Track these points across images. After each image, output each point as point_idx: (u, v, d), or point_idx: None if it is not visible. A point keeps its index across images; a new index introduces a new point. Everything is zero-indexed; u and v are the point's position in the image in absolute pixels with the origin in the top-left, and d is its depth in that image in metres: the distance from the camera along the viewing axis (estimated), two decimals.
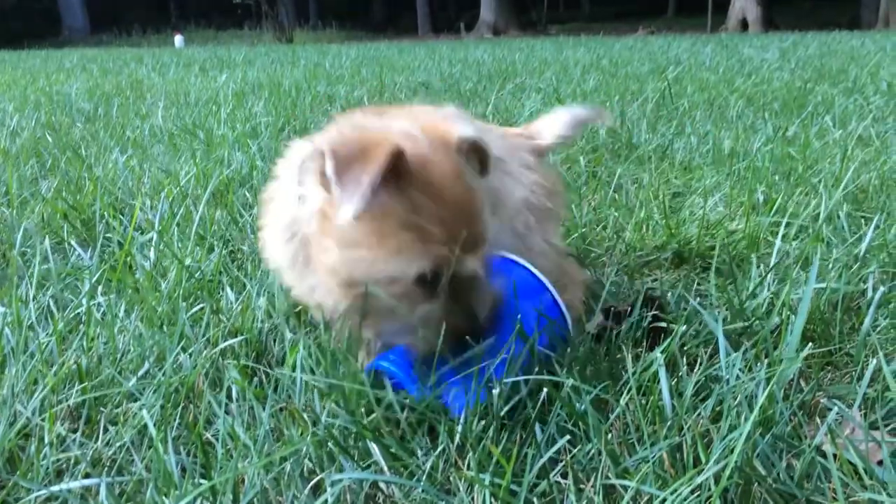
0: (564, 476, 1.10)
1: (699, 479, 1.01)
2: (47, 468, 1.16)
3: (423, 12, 32.82)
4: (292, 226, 1.27)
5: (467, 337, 1.16)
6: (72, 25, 30.92)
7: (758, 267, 1.80)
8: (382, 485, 1.11)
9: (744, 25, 23.74)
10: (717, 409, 1.20)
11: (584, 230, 2.20)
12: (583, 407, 1.16)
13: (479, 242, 1.15)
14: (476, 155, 1.23)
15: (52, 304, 1.71)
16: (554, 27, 29.07)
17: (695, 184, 2.65)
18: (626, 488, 1.04)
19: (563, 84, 6.08)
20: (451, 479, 1.11)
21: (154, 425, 1.19)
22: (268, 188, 1.40)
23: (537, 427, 1.17)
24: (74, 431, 1.26)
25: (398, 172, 1.09)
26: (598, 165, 2.98)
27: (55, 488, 1.09)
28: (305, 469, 1.13)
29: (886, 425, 1.19)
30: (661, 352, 1.26)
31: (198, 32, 29.92)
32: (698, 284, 1.83)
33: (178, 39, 24.04)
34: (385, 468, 1.12)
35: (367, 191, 1.04)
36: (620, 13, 32.54)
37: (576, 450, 1.13)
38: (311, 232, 1.21)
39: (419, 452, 1.16)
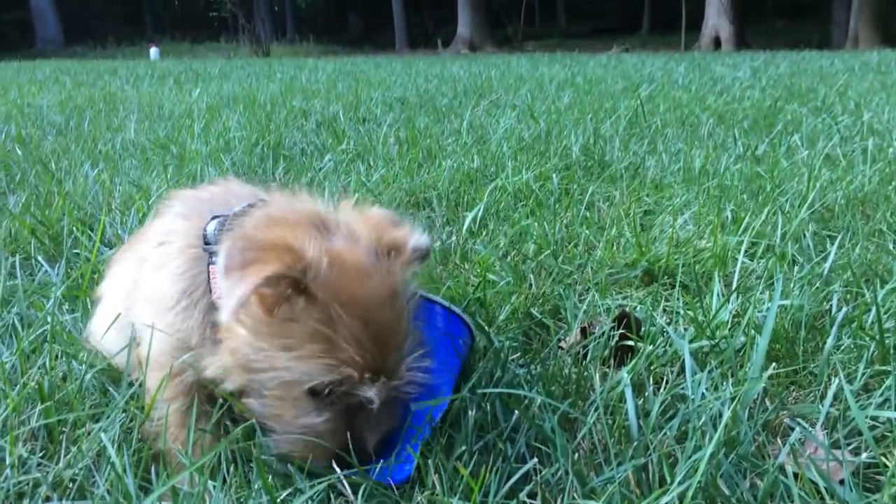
0: (532, 496, 1.10)
1: (664, 500, 1.02)
2: (8, 490, 1.14)
3: (401, 27, 32.96)
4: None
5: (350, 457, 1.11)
6: (45, 37, 30.65)
7: (725, 286, 1.82)
8: None
9: (717, 44, 24.10)
10: (683, 428, 1.21)
11: (555, 247, 2.21)
12: (550, 426, 1.17)
13: (391, 370, 1.09)
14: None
15: (16, 321, 1.69)
16: (530, 43, 29.31)
17: (665, 202, 2.68)
18: None
19: (537, 101, 6.13)
20: (419, 500, 1.10)
21: (114, 446, 1.17)
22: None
23: (507, 446, 1.17)
24: (35, 453, 1.24)
25: (300, 288, 1.06)
26: (571, 183, 3.00)
27: None
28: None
29: (848, 444, 1.20)
30: (628, 371, 1.26)
31: (173, 45, 29.79)
32: (666, 301, 1.85)
33: (154, 52, 23.90)
34: (348, 489, 1.11)
35: (240, 301, 1.03)
36: (596, 30, 32.92)
37: (544, 470, 1.14)
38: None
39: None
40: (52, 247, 2.28)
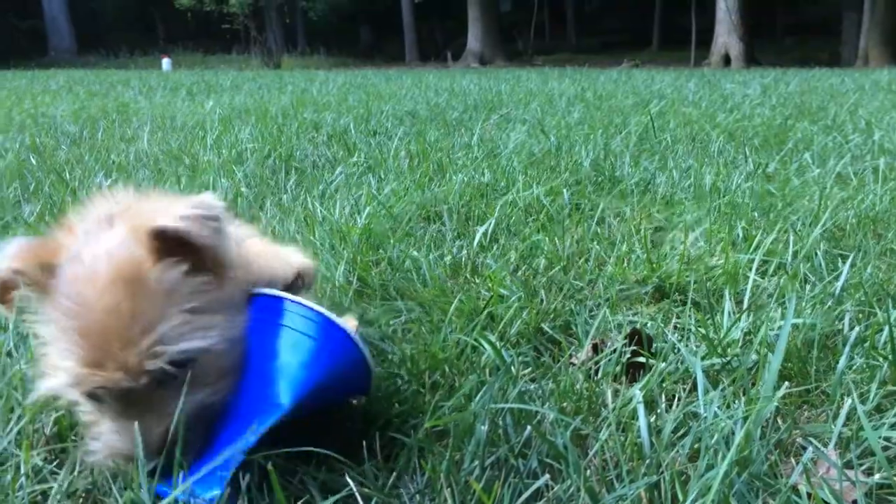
0: None
1: None
2: (23, 499, 1.15)
3: (411, 40, 33.14)
4: None
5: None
6: (59, 46, 30.92)
7: (736, 303, 1.82)
8: None
9: (726, 61, 24.13)
10: (696, 446, 1.21)
11: (565, 263, 2.22)
12: (562, 442, 1.17)
13: (120, 363, 1.05)
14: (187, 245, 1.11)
15: (31, 331, 1.70)
16: (540, 58, 29.41)
17: (676, 219, 2.69)
18: None
19: (547, 116, 6.15)
20: None
21: None
22: None
23: (518, 462, 1.18)
24: (49, 462, 1.25)
25: (44, 287, 1.10)
26: (582, 198, 3.01)
27: None
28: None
29: (861, 465, 1.20)
30: (641, 388, 1.27)
31: (185, 56, 30.02)
32: (677, 319, 1.85)
33: (166, 62, 24.09)
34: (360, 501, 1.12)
35: None
36: (605, 45, 33.02)
37: (556, 486, 1.14)
38: None
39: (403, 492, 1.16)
40: None
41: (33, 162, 3.82)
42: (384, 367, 1.55)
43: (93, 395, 1.09)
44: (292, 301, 1.20)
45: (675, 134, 4.86)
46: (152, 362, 1.06)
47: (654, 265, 2.14)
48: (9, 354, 1.57)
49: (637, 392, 1.25)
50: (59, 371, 1.08)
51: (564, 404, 1.33)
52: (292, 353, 1.16)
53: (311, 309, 1.19)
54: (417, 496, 1.16)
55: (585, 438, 1.26)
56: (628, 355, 1.50)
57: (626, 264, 2.22)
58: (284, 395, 1.12)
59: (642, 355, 1.51)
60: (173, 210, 1.11)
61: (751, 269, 2.00)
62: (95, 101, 8.20)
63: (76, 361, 1.05)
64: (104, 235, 1.13)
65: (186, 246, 1.10)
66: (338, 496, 1.11)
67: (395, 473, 1.19)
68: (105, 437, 1.10)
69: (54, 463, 1.25)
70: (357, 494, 1.12)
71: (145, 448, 1.06)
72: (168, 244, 1.10)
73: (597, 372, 1.51)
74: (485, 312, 1.79)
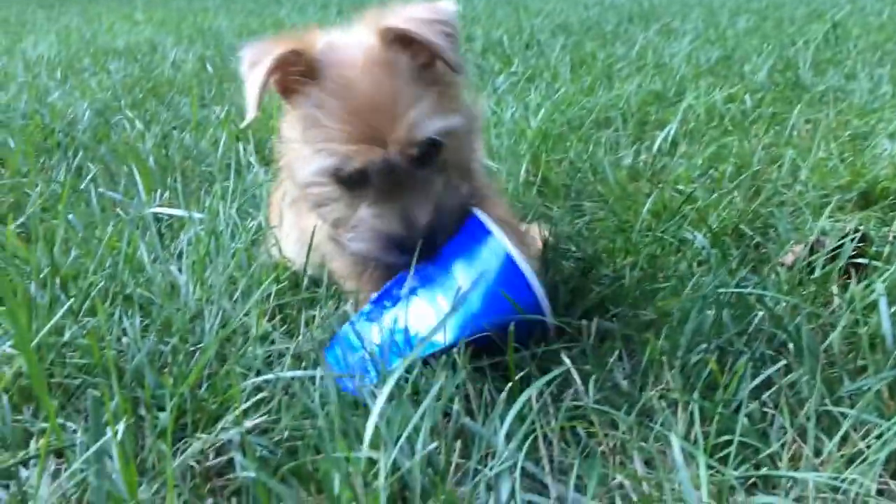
0: (775, 401, 1.06)
1: None
2: (256, 358, 1.22)
3: None
4: None
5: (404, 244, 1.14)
6: None
7: None
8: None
9: None
10: None
11: (757, 168, 2.10)
12: (793, 326, 1.11)
13: (393, 138, 1.10)
14: (414, 44, 1.17)
15: (237, 219, 1.79)
16: None
17: (878, 126, 2.47)
18: (844, 416, 0.99)
19: (710, 27, 5.77)
20: (651, 395, 1.09)
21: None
22: None
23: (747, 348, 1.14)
24: (276, 328, 1.32)
25: (306, 75, 1.14)
26: (764, 106, 2.82)
27: (269, 376, 1.15)
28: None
29: None
30: (881, 281, 1.18)
31: None
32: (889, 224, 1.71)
33: None
34: (578, 380, 1.11)
35: (254, 98, 1.13)
36: None
37: (788, 377, 1.09)
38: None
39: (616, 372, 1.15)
40: (255, 150, 2.40)
41: (209, 70, 4.00)
42: (577, 264, 1.53)
43: (357, 177, 1.14)
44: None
45: (858, 43, 4.45)
46: (417, 134, 1.12)
47: (860, 171, 1.98)
48: (221, 235, 1.67)
49: (879, 284, 1.16)
50: (326, 152, 1.13)
51: (789, 298, 1.27)
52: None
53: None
54: (630, 380, 1.15)
55: (815, 332, 1.20)
56: (850, 254, 1.40)
57: (824, 170, 2.07)
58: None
59: (865, 255, 1.41)
60: (407, 12, 1.19)
61: None
62: (251, 18, 8.45)
63: (346, 140, 1.11)
64: (349, 32, 1.24)
65: (417, 44, 1.16)
66: (556, 373, 1.11)
67: (609, 356, 1.18)
68: (368, 224, 1.16)
69: (281, 329, 1.32)
70: (574, 371, 1.13)
71: (412, 227, 1.13)
72: (401, 41, 1.17)
73: (811, 272, 1.42)
74: (682, 207, 1.72)
